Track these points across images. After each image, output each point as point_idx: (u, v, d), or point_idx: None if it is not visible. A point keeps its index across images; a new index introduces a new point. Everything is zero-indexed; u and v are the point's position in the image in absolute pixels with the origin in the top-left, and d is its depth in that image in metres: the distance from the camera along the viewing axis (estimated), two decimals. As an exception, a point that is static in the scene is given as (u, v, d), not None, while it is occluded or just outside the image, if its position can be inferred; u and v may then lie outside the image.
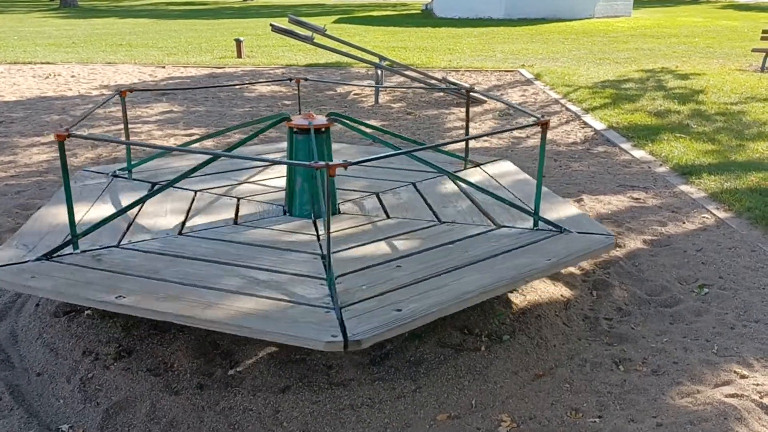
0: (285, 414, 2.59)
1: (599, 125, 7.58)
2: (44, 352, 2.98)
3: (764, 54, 11.70)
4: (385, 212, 3.63)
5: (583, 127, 7.61)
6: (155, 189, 3.01)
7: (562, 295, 3.57)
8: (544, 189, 3.82)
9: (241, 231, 3.31)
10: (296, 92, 9.83)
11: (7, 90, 9.86)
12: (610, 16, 25.19)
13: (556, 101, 9.11)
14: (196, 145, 5.86)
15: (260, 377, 2.80)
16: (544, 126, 3.14)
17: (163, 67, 12.33)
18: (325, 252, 3.02)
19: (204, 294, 2.57)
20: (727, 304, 3.47)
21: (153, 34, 18.49)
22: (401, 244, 3.12)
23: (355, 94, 9.74)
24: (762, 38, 11.83)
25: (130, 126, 7.61)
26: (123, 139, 5.49)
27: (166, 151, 4.53)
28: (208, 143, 6.73)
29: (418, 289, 2.62)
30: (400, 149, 2.95)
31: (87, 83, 10.54)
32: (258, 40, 17.11)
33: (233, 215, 3.55)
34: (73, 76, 11.20)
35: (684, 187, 5.36)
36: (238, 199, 3.82)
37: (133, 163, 4.23)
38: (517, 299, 3.45)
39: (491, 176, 4.22)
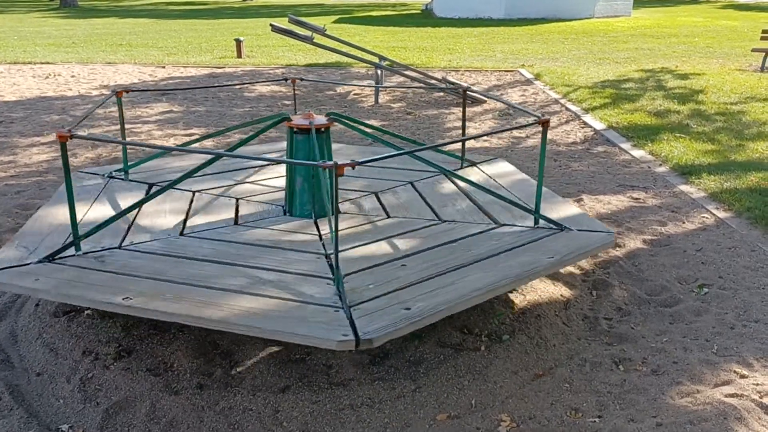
0: (285, 414, 2.59)
1: (599, 125, 7.58)
2: (44, 352, 2.98)
3: (764, 54, 11.70)
4: (385, 212, 3.63)
5: (582, 127, 7.61)
6: (157, 190, 3.01)
7: (561, 295, 3.57)
8: (543, 189, 3.82)
9: (242, 231, 3.31)
10: (298, 92, 9.83)
11: (6, 90, 9.86)
12: (609, 15, 25.19)
13: (556, 101, 9.11)
14: (196, 145, 5.87)
15: (260, 377, 2.80)
16: (545, 125, 3.15)
17: (163, 67, 12.32)
18: (328, 251, 3.03)
19: (211, 294, 2.57)
20: (727, 304, 3.47)
21: (153, 34, 18.49)
22: (404, 243, 3.12)
23: (354, 94, 9.74)
24: (762, 38, 11.83)
25: (130, 126, 7.61)
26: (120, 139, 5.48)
27: (165, 152, 4.52)
28: (208, 143, 6.73)
29: (424, 288, 2.63)
30: (400, 149, 2.95)
31: (87, 83, 10.54)
32: (258, 40, 17.11)
33: (233, 215, 3.55)
34: (73, 76, 11.20)
35: (684, 187, 5.36)
36: (237, 199, 3.82)
37: (130, 163, 4.23)
38: (517, 299, 3.45)
39: (489, 175, 4.23)
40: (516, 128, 3.08)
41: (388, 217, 3.55)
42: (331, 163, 2.44)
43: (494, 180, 4.14)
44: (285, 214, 3.60)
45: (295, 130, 3.44)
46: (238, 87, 10.24)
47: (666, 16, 25.88)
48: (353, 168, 2.45)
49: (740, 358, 2.98)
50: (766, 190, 5.12)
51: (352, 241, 3.16)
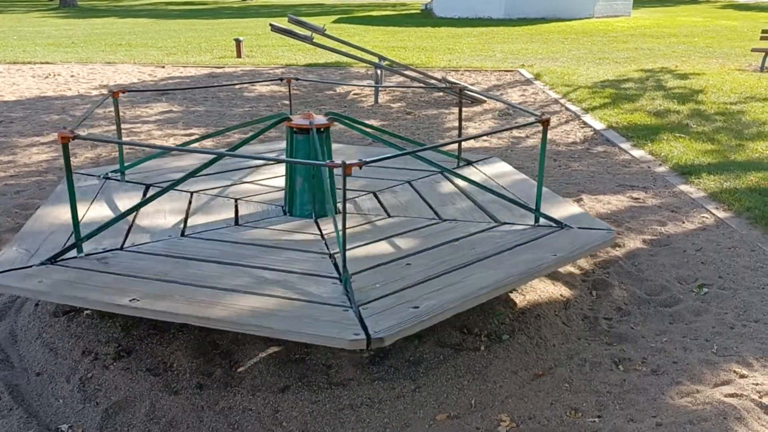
0: (284, 414, 2.59)
1: (599, 125, 7.58)
2: (44, 352, 2.97)
3: (764, 54, 11.71)
4: (386, 211, 3.63)
5: (582, 127, 7.61)
6: (159, 190, 3.00)
7: (561, 295, 3.57)
8: (542, 188, 3.82)
9: (243, 231, 3.31)
10: (297, 92, 9.83)
11: (6, 90, 9.86)
12: (609, 15, 25.20)
13: (556, 101, 9.11)
14: (195, 145, 5.86)
15: (260, 377, 2.80)
16: (545, 124, 3.16)
17: (163, 67, 12.32)
18: (331, 251, 3.03)
19: (218, 295, 2.57)
20: (727, 304, 3.47)
21: (152, 34, 18.49)
22: (406, 243, 3.13)
23: (354, 94, 9.74)
24: (761, 38, 11.83)
25: (129, 126, 7.61)
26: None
27: (164, 152, 4.52)
28: (207, 143, 6.73)
29: (431, 287, 2.64)
30: (400, 148, 2.95)
31: (86, 83, 10.53)
32: (257, 39, 17.11)
33: (233, 215, 3.55)
34: (72, 76, 11.20)
35: (683, 187, 5.36)
36: (236, 199, 3.82)
37: (130, 163, 4.23)
38: (517, 299, 3.45)
39: (486, 175, 4.24)
40: (516, 128, 3.09)
41: (389, 216, 3.55)
42: (340, 162, 2.44)
43: (491, 179, 4.14)
44: (285, 214, 3.60)
45: (295, 130, 3.44)
46: (237, 87, 10.24)
47: (666, 16, 25.88)
48: (360, 168, 2.46)
49: (740, 357, 2.98)
50: (765, 190, 5.12)
51: (354, 241, 3.16)
